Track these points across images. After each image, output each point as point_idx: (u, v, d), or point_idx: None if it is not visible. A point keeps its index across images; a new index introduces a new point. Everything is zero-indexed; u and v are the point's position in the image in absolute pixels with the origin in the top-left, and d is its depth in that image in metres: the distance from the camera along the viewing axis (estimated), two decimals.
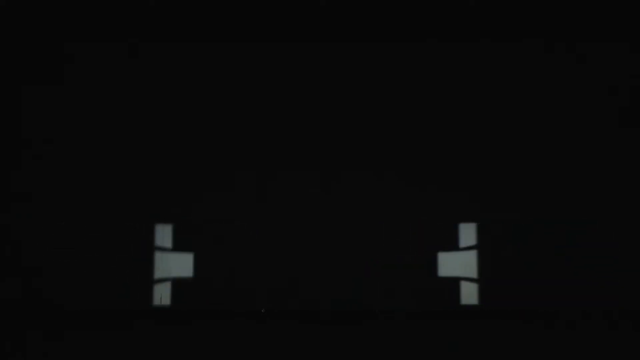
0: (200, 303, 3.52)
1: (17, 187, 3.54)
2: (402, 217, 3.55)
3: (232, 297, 3.53)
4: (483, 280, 3.55)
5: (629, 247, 3.51)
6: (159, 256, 3.54)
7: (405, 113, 3.59)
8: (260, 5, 3.45)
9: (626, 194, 3.54)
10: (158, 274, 3.54)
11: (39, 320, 3.46)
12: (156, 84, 3.58)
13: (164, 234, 3.55)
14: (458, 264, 3.56)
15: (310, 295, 3.53)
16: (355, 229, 3.56)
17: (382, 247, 3.55)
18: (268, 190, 3.57)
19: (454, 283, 3.55)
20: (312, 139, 3.59)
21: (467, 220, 3.57)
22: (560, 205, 3.55)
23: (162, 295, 3.51)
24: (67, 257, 3.52)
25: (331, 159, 3.58)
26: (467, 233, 3.58)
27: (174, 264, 3.55)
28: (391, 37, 3.58)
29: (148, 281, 3.53)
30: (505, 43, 3.59)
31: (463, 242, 3.56)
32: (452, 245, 3.56)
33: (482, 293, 3.54)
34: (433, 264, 3.55)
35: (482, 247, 3.56)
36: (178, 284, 3.54)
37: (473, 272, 3.56)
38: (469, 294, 3.55)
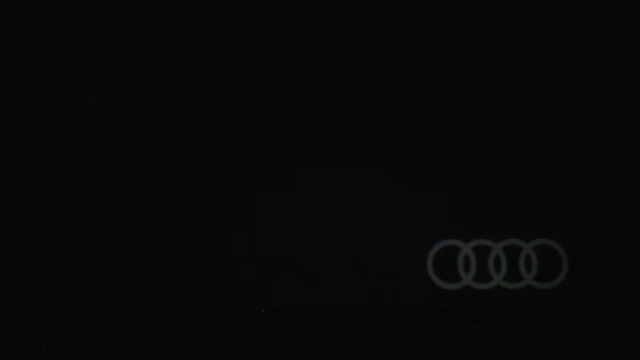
0: (200, 303, 3.52)
1: (17, 187, 3.53)
2: (405, 217, 3.55)
3: (232, 297, 3.52)
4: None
5: None
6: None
7: (409, 113, 3.59)
8: (267, 5, 3.46)
9: (625, 195, 3.54)
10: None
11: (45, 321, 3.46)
12: (157, 84, 3.58)
13: None
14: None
15: (310, 295, 3.53)
16: (357, 229, 3.55)
17: (384, 247, 3.55)
18: (268, 190, 3.56)
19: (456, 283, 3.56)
20: (312, 139, 3.58)
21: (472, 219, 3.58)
22: (559, 205, 3.55)
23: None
24: (71, 255, 3.52)
25: (332, 159, 3.57)
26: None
27: None
28: (391, 37, 3.58)
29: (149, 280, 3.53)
30: (505, 43, 3.58)
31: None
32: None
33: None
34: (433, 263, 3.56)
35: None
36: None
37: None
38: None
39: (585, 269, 3.52)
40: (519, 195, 3.55)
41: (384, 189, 3.56)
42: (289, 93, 3.59)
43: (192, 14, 3.52)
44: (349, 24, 3.55)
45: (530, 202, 3.55)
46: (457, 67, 3.58)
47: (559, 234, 3.54)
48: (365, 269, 3.54)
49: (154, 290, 3.51)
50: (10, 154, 3.53)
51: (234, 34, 3.56)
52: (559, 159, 3.56)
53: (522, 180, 3.56)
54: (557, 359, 3.09)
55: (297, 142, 3.58)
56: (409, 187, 3.57)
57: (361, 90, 3.58)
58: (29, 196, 3.52)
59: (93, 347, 3.21)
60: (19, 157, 3.53)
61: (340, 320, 3.44)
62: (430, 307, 3.51)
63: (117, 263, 3.52)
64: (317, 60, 3.59)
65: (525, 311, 3.49)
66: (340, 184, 3.57)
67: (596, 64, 3.57)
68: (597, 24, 3.53)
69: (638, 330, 3.33)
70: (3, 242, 3.49)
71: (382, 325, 3.43)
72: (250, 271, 3.52)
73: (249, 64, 3.58)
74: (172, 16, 3.52)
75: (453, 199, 3.56)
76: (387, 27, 3.56)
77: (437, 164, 3.57)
